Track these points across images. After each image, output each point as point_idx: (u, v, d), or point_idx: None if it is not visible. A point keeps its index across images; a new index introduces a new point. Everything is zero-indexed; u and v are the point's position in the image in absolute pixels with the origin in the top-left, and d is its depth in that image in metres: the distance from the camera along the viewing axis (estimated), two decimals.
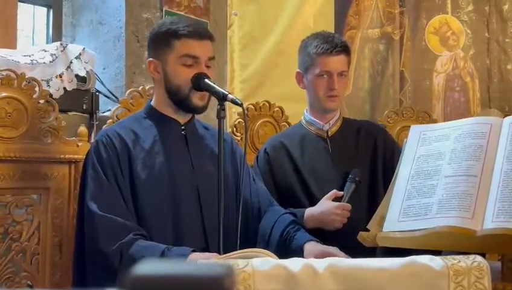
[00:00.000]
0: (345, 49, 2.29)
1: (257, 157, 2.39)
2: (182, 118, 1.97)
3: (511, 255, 1.71)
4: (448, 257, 1.24)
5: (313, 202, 2.20)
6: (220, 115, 1.77)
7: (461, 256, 1.24)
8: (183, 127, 1.96)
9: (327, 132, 2.35)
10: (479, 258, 1.24)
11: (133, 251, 1.70)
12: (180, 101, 1.91)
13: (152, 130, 1.92)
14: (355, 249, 1.72)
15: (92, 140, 2.32)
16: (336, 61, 2.26)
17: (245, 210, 1.95)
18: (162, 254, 1.68)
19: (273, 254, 1.34)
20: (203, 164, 1.93)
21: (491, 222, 1.60)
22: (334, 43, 2.26)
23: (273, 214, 2.00)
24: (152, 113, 1.97)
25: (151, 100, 2.03)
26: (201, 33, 1.93)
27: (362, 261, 1.22)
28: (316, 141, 2.33)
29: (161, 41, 1.91)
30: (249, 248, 1.72)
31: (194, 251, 1.68)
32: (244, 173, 1.99)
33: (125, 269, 1.68)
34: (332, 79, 2.25)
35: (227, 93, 1.79)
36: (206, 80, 1.85)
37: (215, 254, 1.67)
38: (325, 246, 1.82)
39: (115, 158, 1.82)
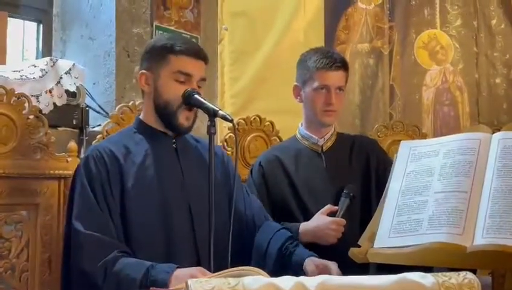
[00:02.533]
0: (344, 65, 2.32)
1: (251, 170, 2.39)
2: (172, 131, 1.96)
3: (502, 270, 1.71)
4: (439, 273, 1.24)
5: (307, 216, 2.20)
6: (211, 131, 1.77)
7: (452, 273, 1.25)
8: (173, 140, 1.96)
9: (322, 146, 2.36)
10: (470, 275, 1.24)
11: (117, 269, 1.69)
12: (166, 117, 1.91)
13: (143, 144, 1.92)
14: (349, 265, 1.72)
15: (82, 155, 2.31)
16: (335, 76, 2.28)
17: (239, 224, 1.94)
18: (147, 272, 1.67)
19: (264, 272, 1.34)
20: (195, 177, 1.92)
21: (481, 238, 1.60)
22: (333, 58, 2.30)
23: (269, 229, 2.00)
24: (142, 127, 1.96)
25: (139, 115, 2.02)
26: (197, 52, 1.94)
27: (353, 279, 1.22)
28: (310, 156, 2.34)
29: (157, 54, 1.92)
30: (243, 261, 1.72)
31: (178, 267, 1.67)
32: (237, 187, 1.99)
33: (109, 287, 1.67)
34: (330, 93, 2.28)
35: (217, 109, 1.79)
36: (197, 96, 1.85)
37: (199, 268, 1.66)
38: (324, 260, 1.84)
39: (105, 174, 1.81)
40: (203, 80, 1.94)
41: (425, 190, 1.77)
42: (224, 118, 1.77)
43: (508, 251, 1.55)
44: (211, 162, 1.74)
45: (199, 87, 1.92)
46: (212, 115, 1.77)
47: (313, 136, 2.37)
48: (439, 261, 1.73)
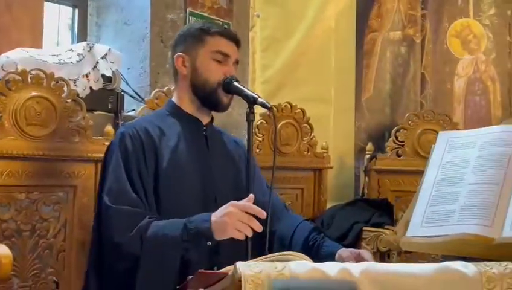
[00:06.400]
0: None
1: None
2: (204, 118, 1.99)
3: None
4: (481, 263, 1.26)
5: None
6: (249, 118, 1.78)
7: (494, 263, 1.26)
8: (204, 128, 1.98)
9: None
10: (511, 265, 1.26)
11: (152, 231, 1.69)
12: (207, 96, 1.93)
13: (176, 128, 1.94)
14: None
15: None
16: None
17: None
18: (185, 226, 1.68)
19: (307, 257, 1.36)
20: (220, 165, 1.96)
21: (510, 230, 1.62)
22: None
23: (292, 220, 2.01)
24: (175, 111, 1.98)
25: (172, 98, 2.04)
26: (232, 35, 1.98)
27: (396, 266, 1.24)
28: None
29: (193, 36, 1.95)
30: (262, 252, 1.73)
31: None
32: (258, 177, 2.03)
33: (148, 251, 1.67)
34: None
35: (257, 97, 1.80)
36: (236, 83, 1.87)
37: (231, 203, 1.67)
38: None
39: (140, 150, 1.83)
40: (237, 62, 1.98)
41: (459, 181, 1.78)
42: (264, 106, 1.79)
43: None
44: (250, 149, 1.76)
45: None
46: (252, 102, 1.79)
47: None
48: (467, 251, 1.73)
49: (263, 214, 1.66)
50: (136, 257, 1.69)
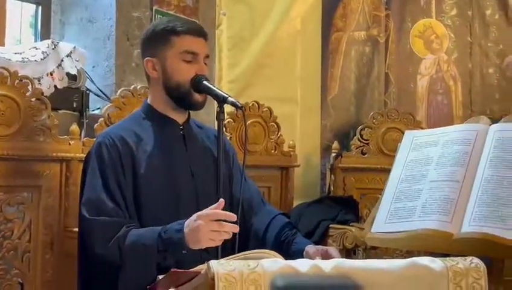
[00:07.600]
0: None
1: None
2: (180, 117, 1.97)
3: (487, 258, 1.75)
4: (448, 258, 1.30)
5: None
6: (220, 117, 1.78)
7: (460, 258, 1.30)
8: (181, 127, 1.97)
9: None
10: (476, 260, 1.30)
11: (130, 241, 1.72)
12: (181, 98, 1.91)
13: (152, 131, 1.92)
14: None
15: (83, 138, 2.32)
16: None
17: (236, 207, 1.97)
18: (159, 236, 1.70)
19: (279, 255, 1.37)
20: (200, 163, 1.95)
21: (468, 225, 1.67)
22: None
23: (267, 214, 2.02)
24: (151, 113, 1.96)
25: (147, 99, 2.03)
26: (198, 31, 1.95)
27: (366, 262, 1.26)
28: None
29: (159, 39, 1.92)
30: (241, 246, 1.76)
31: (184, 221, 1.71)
32: (235, 172, 2.03)
33: (127, 261, 1.70)
34: None
35: (227, 96, 1.80)
36: (205, 82, 1.86)
37: (197, 215, 1.68)
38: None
39: (117, 159, 1.82)
40: (208, 56, 1.96)
41: (422, 178, 1.83)
42: (234, 105, 1.79)
43: (491, 239, 1.61)
44: (219, 148, 1.76)
45: (205, 64, 1.94)
46: (222, 101, 1.79)
47: None
48: (429, 247, 1.79)
49: (233, 217, 1.66)
50: (116, 265, 1.72)
